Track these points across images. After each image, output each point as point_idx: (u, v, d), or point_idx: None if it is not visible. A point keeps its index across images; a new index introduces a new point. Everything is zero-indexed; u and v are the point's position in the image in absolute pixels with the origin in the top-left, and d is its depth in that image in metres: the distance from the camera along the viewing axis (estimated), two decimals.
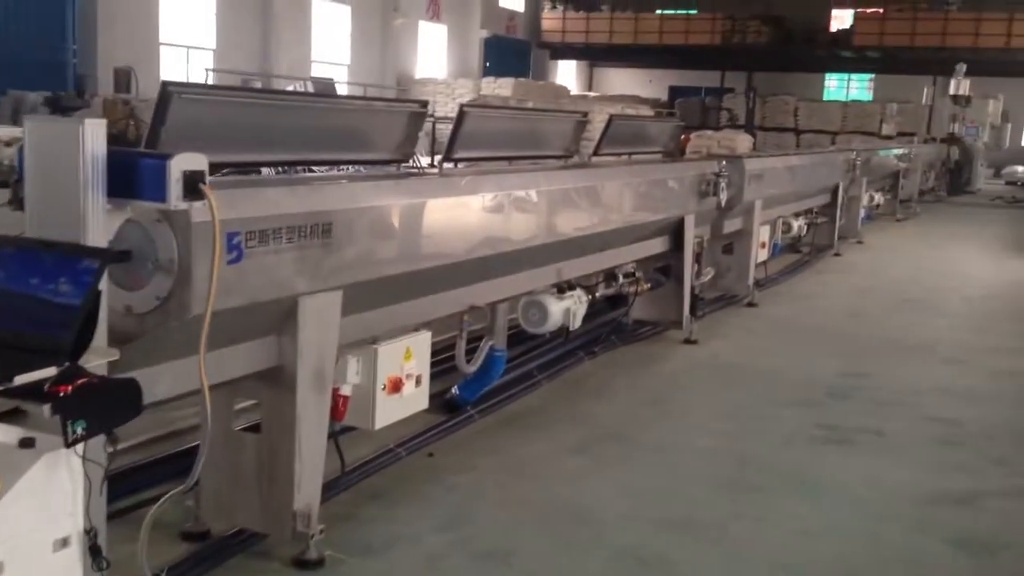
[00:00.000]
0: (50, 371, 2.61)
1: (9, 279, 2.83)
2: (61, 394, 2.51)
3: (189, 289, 3.57)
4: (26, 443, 2.67)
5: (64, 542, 2.74)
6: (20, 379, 2.52)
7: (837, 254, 14.05)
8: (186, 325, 3.61)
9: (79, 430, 2.55)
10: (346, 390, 4.77)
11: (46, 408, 2.51)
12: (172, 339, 3.66)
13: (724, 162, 8.72)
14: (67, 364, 2.62)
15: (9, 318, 2.79)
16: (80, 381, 2.56)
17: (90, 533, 2.78)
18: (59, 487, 2.69)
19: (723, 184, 8.40)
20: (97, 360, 2.80)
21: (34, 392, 2.53)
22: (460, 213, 5.33)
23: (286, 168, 5.32)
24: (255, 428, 4.50)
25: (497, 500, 5.14)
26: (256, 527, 4.43)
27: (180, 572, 4.07)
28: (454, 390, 6.37)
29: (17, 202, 3.04)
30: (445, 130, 10.38)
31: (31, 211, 3.00)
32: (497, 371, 6.38)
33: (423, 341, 5.25)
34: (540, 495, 5.22)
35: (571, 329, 6.84)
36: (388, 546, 4.56)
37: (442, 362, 6.27)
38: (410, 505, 5.02)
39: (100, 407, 2.63)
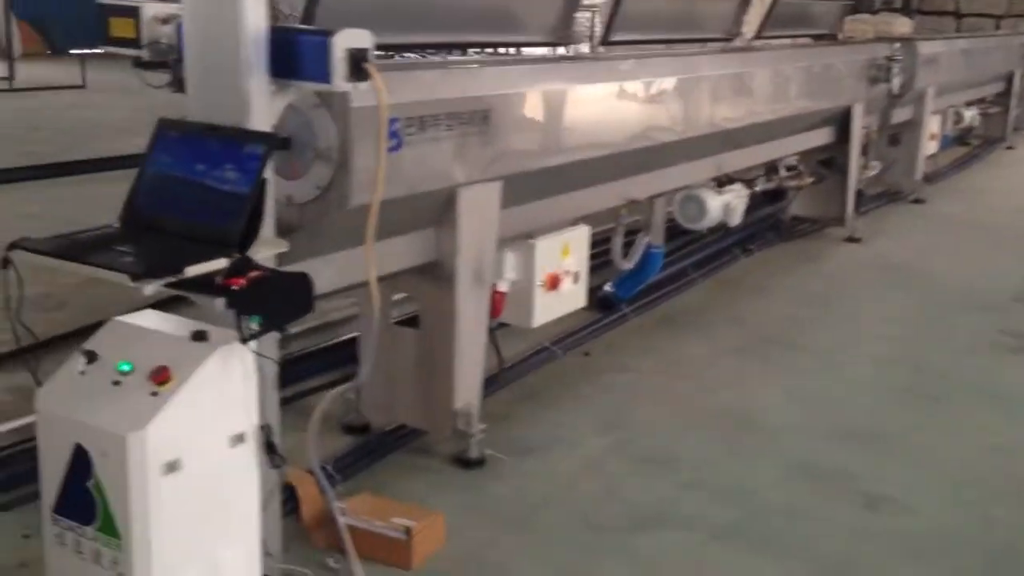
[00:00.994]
0: (219, 263, 2.48)
1: (175, 164, 2.70)
2: (235, 288, 2.38)
3: (349, 178, 3.40)
4: (199, 336, 2.56)
5: (240, 438, 2.66)
6: (191, 270, 2.40)
7: (1010, 147, 13.03)
8: (346, 216, 3.46)
9: (254, 326, 2.43)
10: (503, 286, 4.59)
11: (220, 302, 2.39)
12: (332, 231, 3.52)
13: (897, 45, 8.04)
14: (237, 256, 2.49)
15: (175, 205, 2.68)
16: (254, 274, 2.42)
17: (265, 429, 2.69)
18: (233, 382, 2.60)
19: (896, 69, 7.75)
20: (266, 251, 2.67)
21: (207, 285, 2.41)
22: (621, 100, 4.99)
23: (436, 51, 5.06)
24: (410, 322, 4.39)
25: (656, 402, 4.93)
26: (415, 424, 4.35)
27: (343, 465, 4.02)
28: (608, 287, 6.14)
29: (176, 83, 2.89)
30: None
31: (192, 93, 2.85)
32: (654, 268, 6.10)
33: (581, 236, 5.01)
34: (701, 399, 4.98)
35: (730, 226, 6.48)
36: (547, 447, 4.42)
37: (595, 257, 6.03)
38: (568, 405, 4.87)
39: (274, 302, 2.49)
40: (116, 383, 2.55)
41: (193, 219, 2.62)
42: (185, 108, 2.88)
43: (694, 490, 4.04)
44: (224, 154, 2.62)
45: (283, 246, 2.76)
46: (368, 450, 4.25)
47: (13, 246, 2.55)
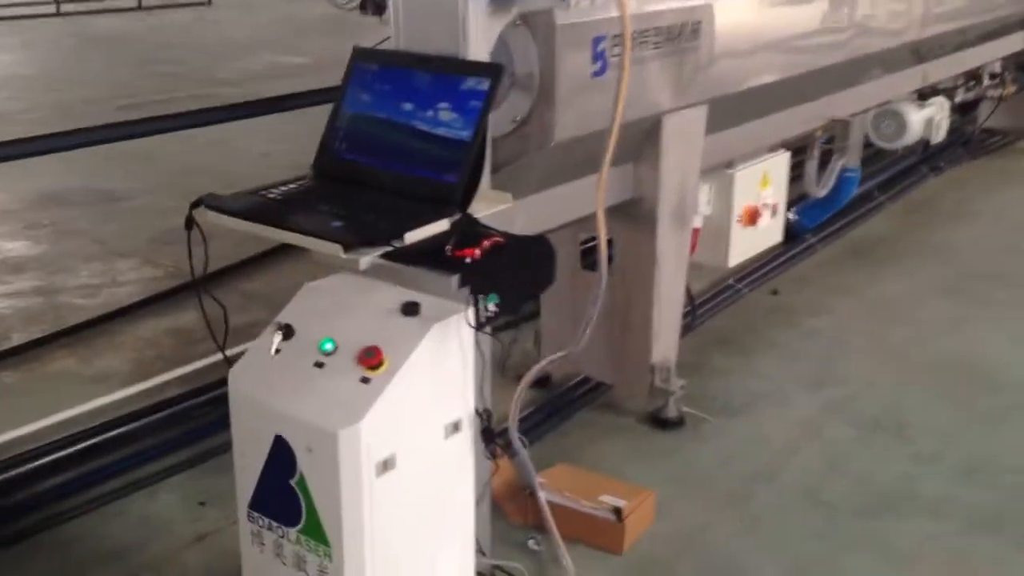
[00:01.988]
0: (439, 225, 2.05)
1: (376, 103, 2.27)
2: (469, 260, 1.95)
3: (552, 109, 2.93)
4: (410, 309, 2.16)
5: (455, 426, 2.28)
6: (411, 236, 1.98)
7: None
8: (546, 153, 3.00)
9: (491, 307, 2.01)
10: (696, 222, 4.08)
11: (454, 280, 1.97)
12: (527, 170, 3.06)
13: None
14: (458, 215, 2.07)
15: (378, 153, 2.25)
16: (488, 242, 2.00)
17: (483, 415, 2.29)
18: (450, 363, 2.20)
19: None
20: (488, 208, 2.23)
21: (431, 256, 1.99)
22: (833, 8, 4.35)
23: None
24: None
25: (867, 352, 4.38)
26: (605, 378, 3.93)
27: (528, 426, 3.64)
28: (791, 215, 5.54)
29: (373, 6, 2.44)
30: None
31: (394, 17, 2.39)
32: (848, 194, 5.46)
33: (781, 164, 4.45)
34: (919, 349, 4.40)
35: (932, 143, 5.78)
36: (751, 406, 3.95)
37: None
38: (765, 354, 4.37)
39: (513, 275, 2.07)
40: (319, 365, 2.17)
41: (401, 170, 2.20)
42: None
43: (934, 465, 3.52)
44: (438, 91, 2.17)
45: (507, 200, 2.31)
46: (554, 408, 3.86)
47: (197, 204, 2.18)
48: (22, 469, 3.29)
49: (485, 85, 2.13)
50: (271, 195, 2.17)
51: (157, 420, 3.61)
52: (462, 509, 2.39)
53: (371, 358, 2.11)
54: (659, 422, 3.80)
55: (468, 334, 2.26)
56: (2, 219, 6.07)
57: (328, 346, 2.18)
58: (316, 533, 2.15)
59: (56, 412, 3.71)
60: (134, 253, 5.42)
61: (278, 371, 2.21)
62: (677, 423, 3.80)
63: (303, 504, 2.15)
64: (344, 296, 2.30)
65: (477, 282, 1.97)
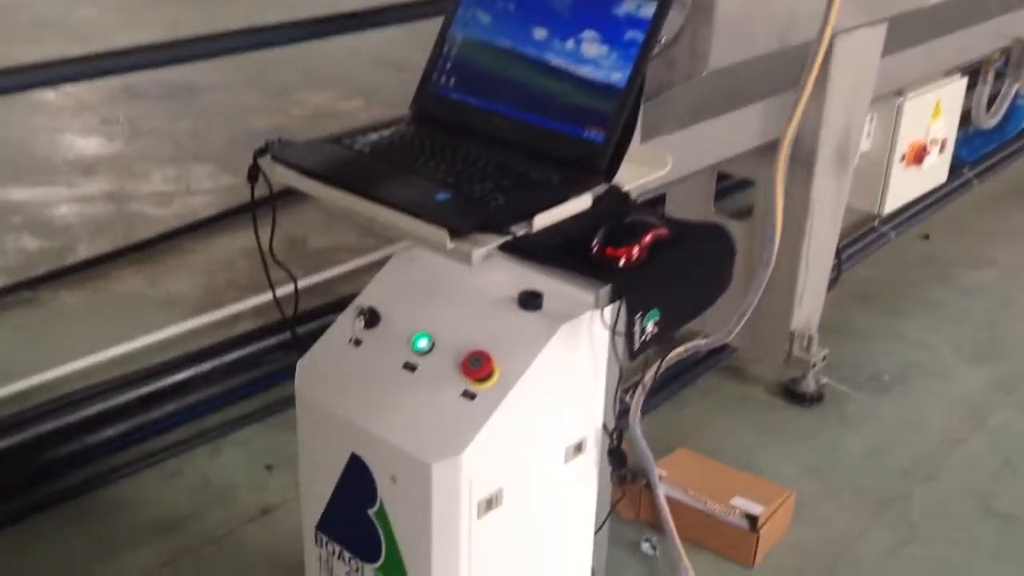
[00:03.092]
0: (580, 202, 1.52)
1: (497, 29, 1.72)
2: (622, 261, 1.43)
3: (709, 28, 2.35)
4: (529, 302, 1.65)
5: (578, 448, 1.80)
6: (540, 220, 1.46)
7: None
8: (695, 84, 2.42)
9: (650, 326, 1.49)
10: None
11: (603, 292, 1.44)
12: (670, 105, 2.49)
13: None
14: (606, 188, 1.53)
15: (499, 96, 1.70)
16: (648, 236, 1.46)
17: (613, 434, 1.80)
18: (577, 373, 1.71)
19: None
20: (639, 176, 1.69)
21: (573, 253, 1.47)
22: None
23: None
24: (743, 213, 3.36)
25: None
26: (733, 341, 3.40)
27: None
28: None
29: None
30: None
31: None
32: (1018, 124, 4.73)
33: (956, 92, 3.77)
34: None
35: None
36: (903, 379, 3.38)
37: None
38: (916, 315, 3.77)
39: (680, 282, 1.54)
40: (409, 367, 1.69)
41: (526, 119, 1.65)
42: None
43: None
44: (583, 14, 1.61)
45: (663, 164, 1.75)
46: (671, 373, 3.35)
47: (263, 151, 1.68)
48: (71, 417, 2.91)
49: (650, 10, 1.56)
50: (356, 145, 1.65)
51: (226, 364, 3.19)
52: (579, 542, 1.93)
53: (478, 368, 1.62)
54: (795, 396, 3.26)
55: (601, 335, 1.74)
56: (78, 112, 5.68)
57: (422, 343, 1.70)
58: (398, 574, 1.71)
59: (116, 343, 3.33)
60: (211, 157, 4.98)
61: (357, 370, 1.74)
62: (816, 398, 3.27)
63: (383, 539, 1.71)
64: (445, 274, 1.80)
65: (636, 295, 1.44)
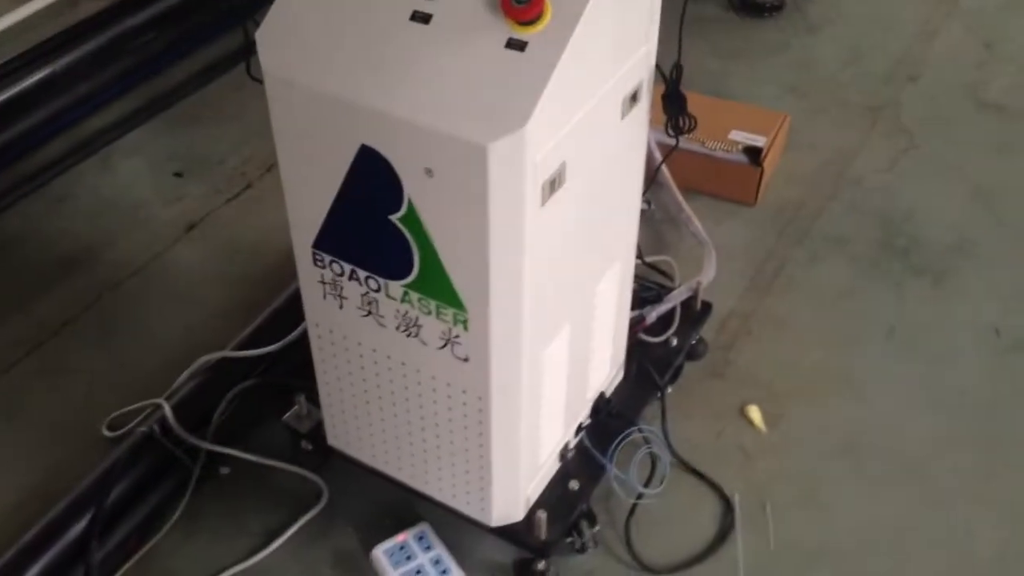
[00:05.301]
0: None
1: None
2: None
3: None
4: None
5: (634, 97, 1.40)
6: None
7: None
8: None
9: None
10: None
11: None
12: None
13: None
14: None
15: None
16: None
17: (672, 72, 1.39)
18: (632, 6, 1.28)
19: None
20: None
21: None
22: None
23: None
24: None
25: None
26: None
27: None
28: None
29: None
30: None
31: None
32: None
33: None
34: None
35: None
36: None
37: None
38: None
39: None
40: (420, 18, 1.22)
41: None
42: None
43: None
44: None
45: None
46: None
47: None
48: None
49: None
50: None
51: (91, 51, 2.55)
52: (630, 206, 1.59)
53: (526, 5, 1.17)
54: (752, 7, 2.91)
55: None
56: None
57: None
58: (440, 291, 1.34)
59: None
60: None
61: (347, 31, 1.26)
62: (776, 6, 2.92)
63: (415, 249, 1.32)
64: None
65: None
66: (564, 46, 1.18)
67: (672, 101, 1.47)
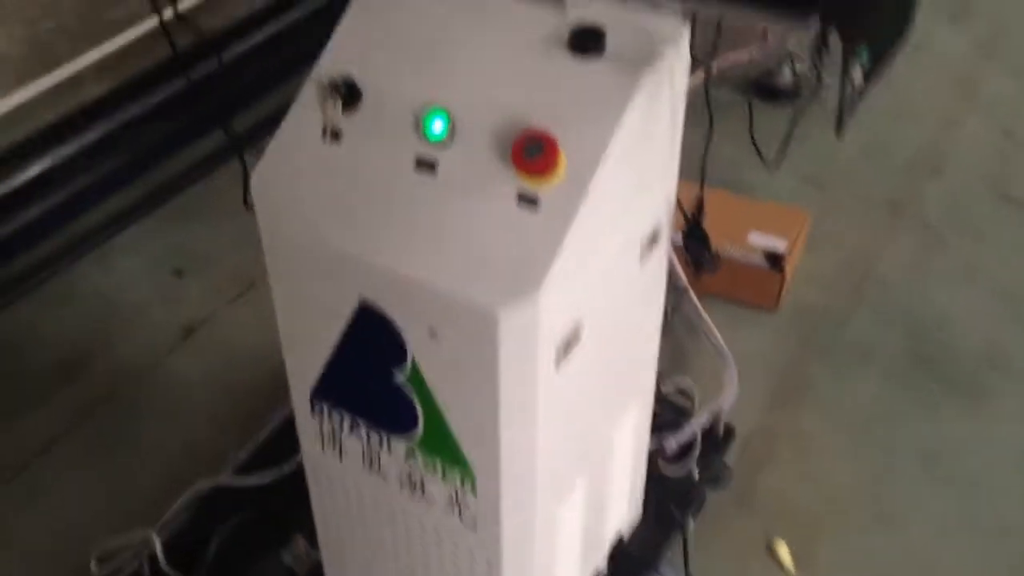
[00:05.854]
0: None
1: None
2: None
3: None
4: (587, 41, 1.10)
5: (653, 239, 1.32)
6: None
7: None
8: None
9: (861, 64, 0.96)
10: None
11: (813, 22, 0.88)
12: None
13: None
14: None
15: None
16: None
17: (695, 212, 1.31)
18: (656, 133, 1.20)
19: None
20: None
21: None
22: None
23: None
24: None
25: None
26: None
27: None
28: None
29: None
30: None
31: None
32: None
33: None
34: None
35: None
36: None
37: None
38: None
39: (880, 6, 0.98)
40: (425, 165, 1.14)
41: None
42: None
43: None
44: None
45: None
46: None
47: None
48: None
49: None
50: None
51: (93, 141, 2.48)
52: (649, 346, 1.50)
53: (538, 158, 1.09)
54: (771, 92, 2.83)
55: (681, 79, 1.23)
56: None
57: (438, 125, 1.14)
58: (446, 452, 1.25)
59: None
60: None
61: (346, 177, 1.18)
62: (795, 92, 2.85)
63: (419, 408, 1.23)
64: (444, 9, 1.20)
65: (849, 19, 0.89)
66: (579, 202, 1.09)
67: (694, 240, 1.38)
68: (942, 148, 2.70)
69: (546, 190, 1.10)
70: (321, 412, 1.34)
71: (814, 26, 0.90)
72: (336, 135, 1.19)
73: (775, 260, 2.20)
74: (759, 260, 2.21)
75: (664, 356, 1.96)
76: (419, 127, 1.15)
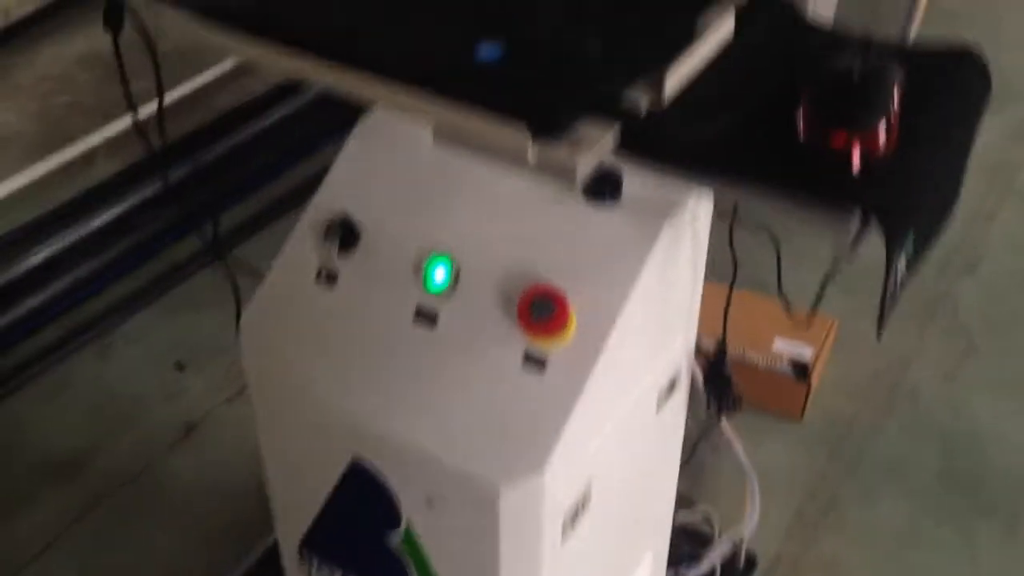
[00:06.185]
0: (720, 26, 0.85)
1: None
2: (861, 157, 0.77)
3: None
4: (604, 188, 1.02)
5: (671, 386, 1.23)
6: (682, 69, 0.78)
7: None
8: None
9: (906, 254, 0.88)
10: None
11: (854, 221, 0.80)
12: None
13: None
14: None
15: None
16: (896, 100, 0.81)
17: (716, 354, 1.24)
18: (676, 284, 1.11)
19: None
20: None
21: (770, 146, 0.81)
22: None
23: None
24: None
25: None
26: None
27: None
28: None
29: None
30: None
31: None
32: None
33: None
34: None
35: None
36: None
37: None
38: None
39: (931, 169, 0.90)
40: (426, 317, 1.06)
41: None
42: None
43: None
44: None
45: None
46: None
47: None
48: None
49: None
50: None
51: (94, 231, 2.43)
52: (664, 494, 1.41)
53: (547, 318, 1.00)
54: None
55: (704, 224, 1.15)
56: None
57: (440, 274, 1.06)
58: None
59: None
60: None
61: (338, 326, 1.10)
62: None
63: (413, 572, 1.14)
64: (449, 150, 1.13)
65: (895, 213, 0.81)
66: (591, 365, 1.00)
67: (715, 383, 1.29)
68: (977, 242, 2.60)
69: (555, 351, 1.02)
70: (311, 563, 1.25)
71: (854, 228, 0.82)
72: (332, 278, 1.11)
73: (801, 369, 2.10)
74: (784, 368, 2.11)
75: (683, 476, 1.86)
76: (420, 274, 1.07)
